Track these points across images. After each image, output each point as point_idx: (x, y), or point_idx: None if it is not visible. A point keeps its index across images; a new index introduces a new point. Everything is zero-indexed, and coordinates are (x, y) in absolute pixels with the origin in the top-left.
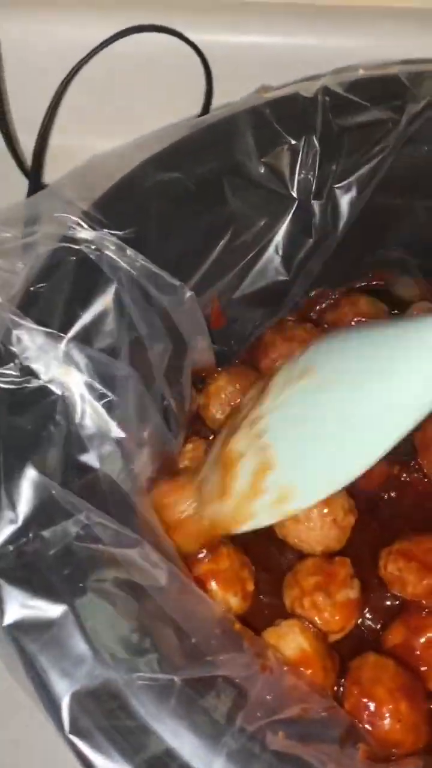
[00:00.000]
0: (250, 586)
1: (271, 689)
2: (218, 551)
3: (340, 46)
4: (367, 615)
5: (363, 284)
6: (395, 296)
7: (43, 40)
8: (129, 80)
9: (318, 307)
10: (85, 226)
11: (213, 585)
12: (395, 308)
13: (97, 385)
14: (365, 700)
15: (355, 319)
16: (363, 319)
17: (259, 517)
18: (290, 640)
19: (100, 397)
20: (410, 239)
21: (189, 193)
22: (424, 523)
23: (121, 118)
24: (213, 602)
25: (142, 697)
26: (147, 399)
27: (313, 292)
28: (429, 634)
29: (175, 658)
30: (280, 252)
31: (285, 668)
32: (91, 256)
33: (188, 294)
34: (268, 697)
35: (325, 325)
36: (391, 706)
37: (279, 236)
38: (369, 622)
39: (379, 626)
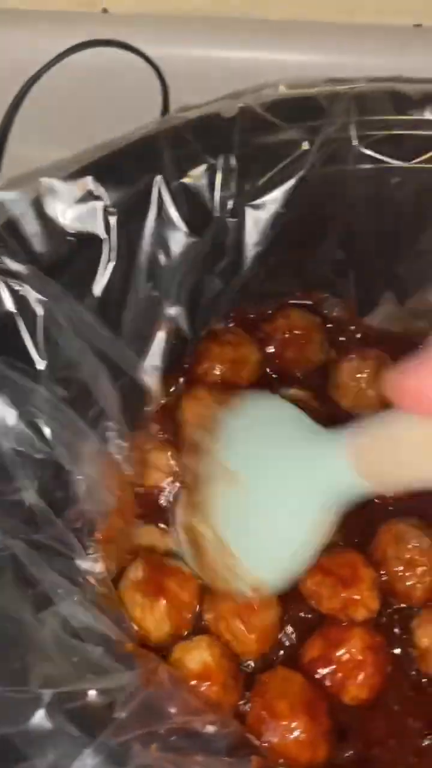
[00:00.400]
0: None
1: (152, 704)
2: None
3: (294, 60)
4: (288, 629)
5: (294, 302)
6: (324, 316)
7: None
8: (87, 92)
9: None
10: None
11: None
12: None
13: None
14: (265, 713)
15: (288, 333)
16: (297, 332)
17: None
18: (195, 655)
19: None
20: (335, 259)
21: (107, 217)
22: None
23: (80, 129)
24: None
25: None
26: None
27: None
28: (346, 648)
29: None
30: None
31: (177, 685)
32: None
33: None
34: (147, 711)
35: (261, 335)
36: (290, 721)
37: (201, 255)
38: (287, 636)
39: (296, 640)
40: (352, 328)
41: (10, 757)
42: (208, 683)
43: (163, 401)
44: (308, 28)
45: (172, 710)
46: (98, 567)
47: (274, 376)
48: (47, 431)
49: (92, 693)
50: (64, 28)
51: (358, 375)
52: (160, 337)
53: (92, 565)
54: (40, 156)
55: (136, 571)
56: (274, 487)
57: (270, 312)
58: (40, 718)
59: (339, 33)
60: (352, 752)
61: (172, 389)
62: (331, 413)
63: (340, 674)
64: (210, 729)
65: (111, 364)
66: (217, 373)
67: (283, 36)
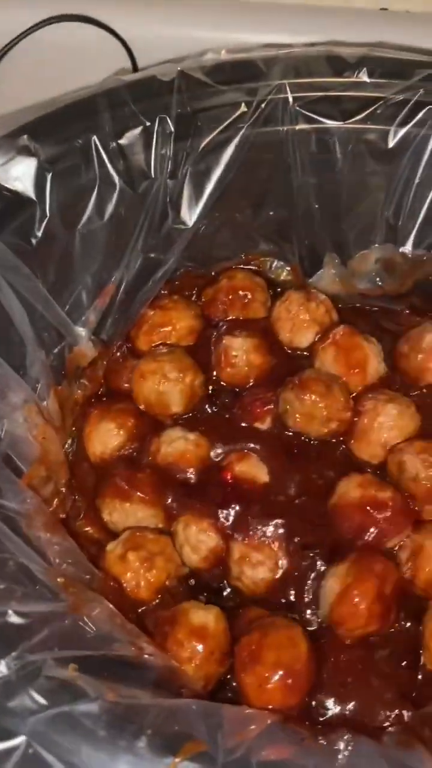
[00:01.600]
0: None
1: (75, 630)
2: None
3: (262, 41)
4: None
5: (239, 266)
6: (271, 279)
7: None
8: (57, 68)
9: (195, 284)
10: None
11: None
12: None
13: None
14: None
15: (232, 295)
16: (241, 293)
17: None
18: None
19: None
20: (278, 222)
21: (43, 173)
22: None
23: None
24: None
25: None
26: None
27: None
28: None
29: None
30: (144, 230)
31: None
32: None
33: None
34: (69, 635)
35: (201, 299)
36: None
37: (142, 217)
38: None
39: None
40: None
41: None
42: None
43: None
44: (278, 10)
45: (101, 638)
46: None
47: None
48: None
49: (11, 613)
50: (32, 2)
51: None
52: (99, 301)
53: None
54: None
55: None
56: None
57: (213, 274)
58: None
59: (308, 14)
60: None
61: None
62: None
63: None
64: (140, 659)
65: (45, 323)
66: (155, 339)
67: (253, 17)
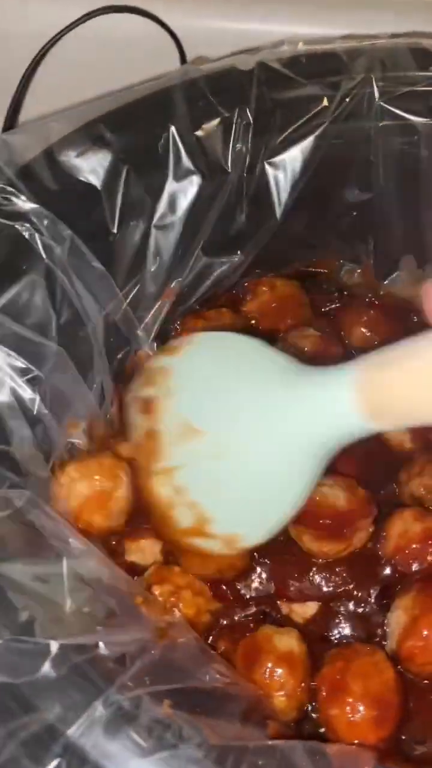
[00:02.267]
0: None
1: (165, 660)
2: None
3: (314, 33)
4: None
5: (307, 269)
6: (341, 284)
7: (15, 17)
8: (105, 61)
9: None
10: (20, 197)
11: None
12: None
13: (20, 361)
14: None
15: (276, 303)
16: (286, 300)
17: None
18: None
19: (23, 372)
20: (357, 224)
21: (119, 166)
22: None
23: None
24: (122, 576)
25: (11, 659)
26: (76, 377)
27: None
28: None
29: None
30: (213, 228)
31: (193, 641)
32: (23, 232)
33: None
34: (159, 666)
35: (245, 310)
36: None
37: (214, 211)
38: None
39: None
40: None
41: (19, 706)
42: None
43: None
44: (325, 3)
45: (187, 667)
46: None
47: None
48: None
49: (101, 645)
50: None
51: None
52: (161, 304)
53: None
54: None
55: None
56: (252, 441)
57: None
58: (47, 669)
59: (354, 6)
60: None
61: None
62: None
63: None
64: (226, 690)
65: (112, 326)
66: None
67: (300, 8)
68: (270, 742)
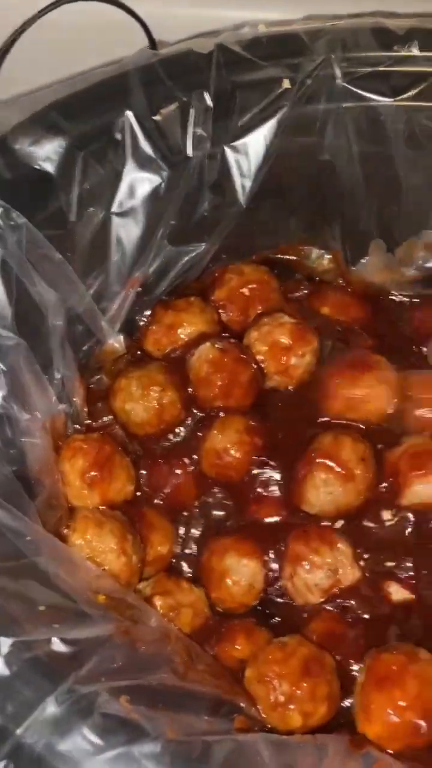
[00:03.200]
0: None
1: (125, 656)
2: None
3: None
4: None
5: (276, 256)
6: (311, 270)
7: None
8: (73, 50)
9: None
10: None
11: None
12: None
13: None
14: None
15: (246, 289)
16: (254, 287)
17: None
18: None
19: None
20: (323, 208)
21: (74, 153)
22: None
23: None
24: (87, 572)
25: None
26: (36, 369)
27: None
28: None
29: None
30: (176, 215)
31: (160, 637)
32: None
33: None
34: (118, 662)
35: (213, 299)
36: None
37: (177, 198)
38: None
39: None
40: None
41: None
42: None
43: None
44: None
45: (150, 664)
46: None
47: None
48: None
49: (56, 641)
50: None
51: None
52: (127, 294)
53: None
54: None
55: None
56: None
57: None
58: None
59: None
60: None
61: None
62: None
63: None
64: (190, 686)
65: (75, 317)
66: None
67: None
68: (231, 736)
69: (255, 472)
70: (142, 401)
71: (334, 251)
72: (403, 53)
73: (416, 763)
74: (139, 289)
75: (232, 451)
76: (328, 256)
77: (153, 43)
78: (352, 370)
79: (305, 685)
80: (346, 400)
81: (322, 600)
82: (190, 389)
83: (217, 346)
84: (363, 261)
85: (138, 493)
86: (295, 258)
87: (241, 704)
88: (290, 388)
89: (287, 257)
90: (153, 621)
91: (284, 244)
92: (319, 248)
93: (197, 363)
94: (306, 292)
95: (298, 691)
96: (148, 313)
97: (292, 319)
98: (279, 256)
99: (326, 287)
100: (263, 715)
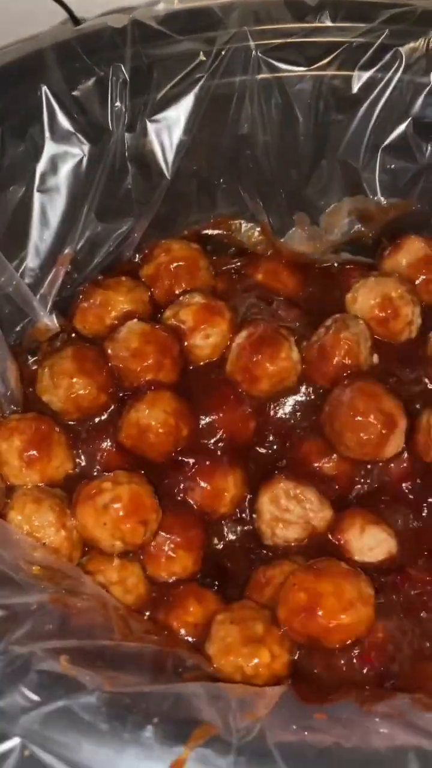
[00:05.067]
0: None
1: (62, 621)
2: None
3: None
4: None
5: (205, 232)
6: (242, 243)
7: None
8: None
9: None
10: None
11: None
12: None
13: None
14: None
15: (173, 266)
16: (182, 264)
17: None
18: None
19: None
20: (246, 181)
21: None
22: None
23: None
24: (22, 545)
25: None
26: None
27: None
28: None
29: None
30: (101, 190)
31: (94, 605)
32: None
33: None
34: (55, 627)
35: (142, 276)
36: None
37: (101, 173)
38: None
39: None
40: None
41: None
42: None
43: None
44: None
45: (86, 629)
46: None
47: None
48: None
49: None
50: None
51: None
52: (56, 272)
53: None
54: None
55: None
56: None
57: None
58: None
59: None
60: None
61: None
62: None
63: None
64: (130, 647)
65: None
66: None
67: None
68: (169, 687)
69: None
70: (56, 392)
71: (262, 224)
72: (315, 24)
73: None
74: (70, 266)
75: (160, 430)
76: (258, 229)
77: (75, 21)
78: (259, 350)
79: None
80: (254, 376)
81: None
82: (117, 365)
83: (144, 321)
84: (290, 232)
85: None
86: (226, 232)
87: (187, 658)
88: (201, 364)
89: (219, 232)
90: (89, 590)
91: (215, 218)
92: (247, 221)
93: (127, 336)
94: (239, 264)
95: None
96: (80, 290)
97: (204, 299)
98: (210, 231)
99: (260, 257)
100: (214, 665)
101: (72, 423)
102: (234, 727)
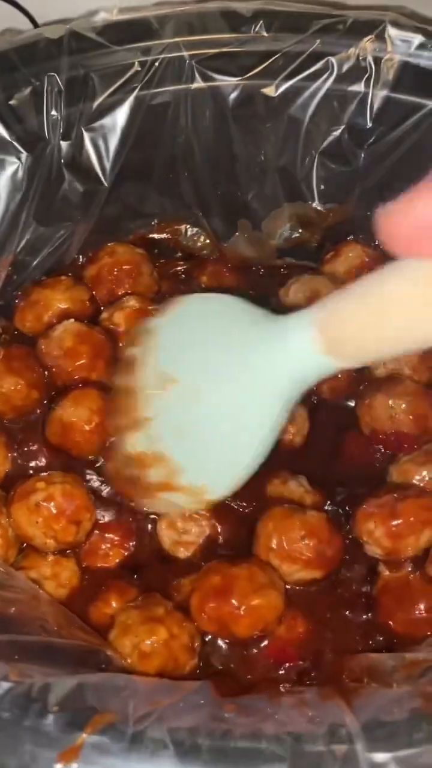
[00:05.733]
0: None
1: None
2: None
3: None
4: None
5: (151, 236)
6: (187, 248)
7: None
8: None
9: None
10: None
11: None
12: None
13: None
14: None
15: (116, 269)
16: (125, 267)
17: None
18: None
19: None
20: (187, 188)
21: None
22: None
23: None
24: None
25: None
26: None
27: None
28: None
29: None
30: (38, 196)
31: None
32: None
33: None
34: None
35: (84, 277)
36: None
37: (39, 179)
38: None
39: None
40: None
41: None
42: None
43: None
44: None
45: (16, 623)
46: None
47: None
48: None
49: None
50: None
51: None
52: None
53: None
54: None
55: None
56: (225, 389)
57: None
58: None
59: None
60: None
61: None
62: None
63: None
64: (58, 641)
65: None
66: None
67: None
68: (74, 677)
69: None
70: None
71: (205, 229)
72: (250, 34)
73: None
74: (10, 268)
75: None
76: (202, 235)
77: (35, 24)
78: None
79: None
80: None
81: None
82: (50, 363)
83: (80, 322)
84: (234, 237)
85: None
86: (172, 237)
87: (114, 657)
88: None
89: (165, 236)
90: (22, 585)
91: (159, 223)
92: (192, 227)
93: (62, 335)
94: (184, 268)
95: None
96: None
97: (138, 304)
98: (156, 235)
99: (206, 260)
100: (128, 661)
101: (9, 423)
102: (132, 714)
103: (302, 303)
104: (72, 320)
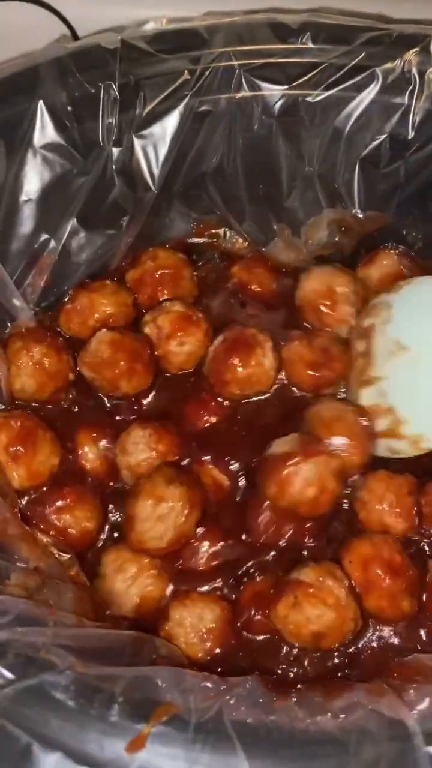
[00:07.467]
0: None
1: (40, 615)
2: None
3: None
4: None
5: (191, 240)
6: (226, 251)
7: None
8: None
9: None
10: None
11: None
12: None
13: None
14: None
15: (158, 273)
16: (167, 271)
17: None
18: None
19: None
20: (229, 194)
21: None
22: None
23: None
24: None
25: None
26: None
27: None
28: None
29: None
30: (87, 200)
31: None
32: None
33: None
34: (31, 619)
35: (127, 281)
36: None
37: (87, 184)
38: None
39: None
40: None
41: None
42: None
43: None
44: None
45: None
46: None
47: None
48: None
49: None
50: None
51: None
52: (39, 273)
53: None
54: None
55: None
56: None
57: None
58: None
59: None
60: None
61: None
62: None
63: None
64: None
65: None
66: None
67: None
68: (136, 670)
69: None
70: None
71: (243, 234)
72: (297, 45)
73: None
74: (51, 270)
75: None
76: (241, 239)
77: (75, 36)
78: (232, 353)
79: None
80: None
81: None
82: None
83: (113, 330)
84: (272, 242)
85: None
86: (211, 240)
87: (161, 646)
88: (179, 373)
89: (204, 240)
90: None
91: (200, 228)
92: (231, 230)
93: (96, 346)
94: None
95: None
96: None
97: (183, 308)
98: (196, 240)
99: (246, 259)
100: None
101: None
102: (194, 707)
103: (311, 296)
104: (104, 330)
